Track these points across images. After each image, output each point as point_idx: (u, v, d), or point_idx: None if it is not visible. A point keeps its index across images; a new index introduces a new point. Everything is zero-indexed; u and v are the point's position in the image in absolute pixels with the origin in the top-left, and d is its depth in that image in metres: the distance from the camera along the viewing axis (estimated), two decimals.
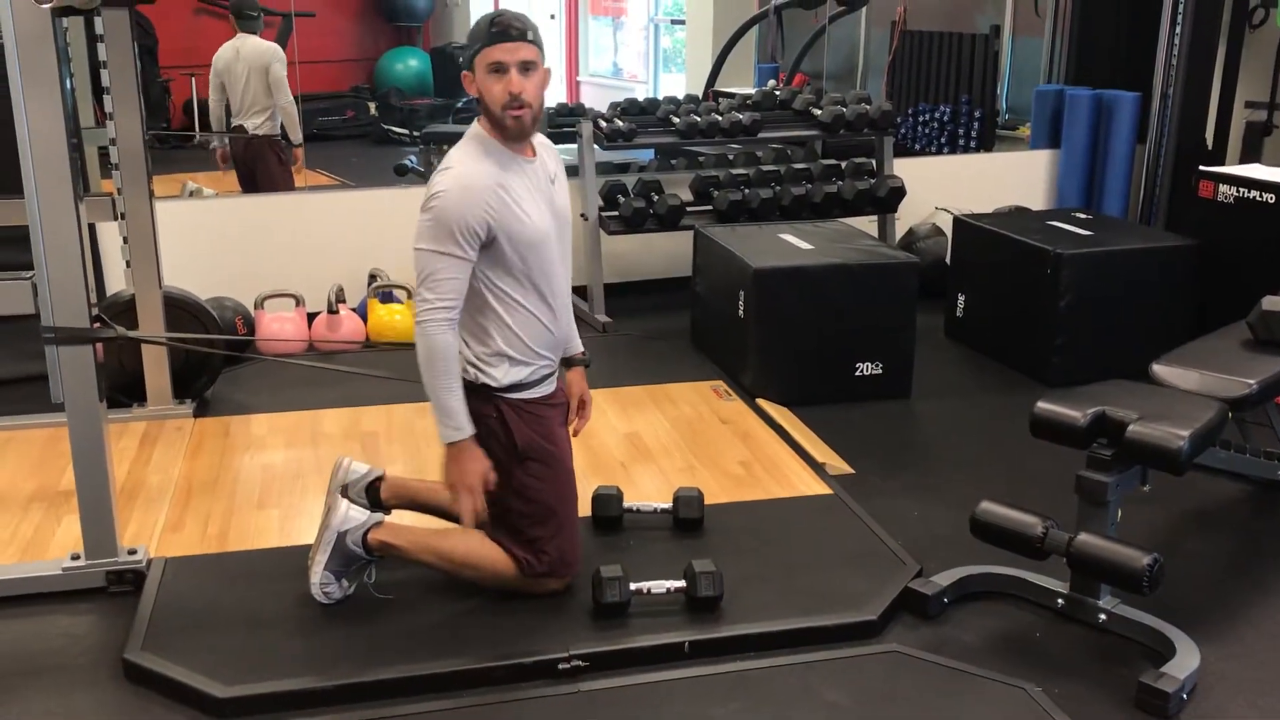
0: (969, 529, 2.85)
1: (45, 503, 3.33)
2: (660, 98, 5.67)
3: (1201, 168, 4.81)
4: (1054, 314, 4.38)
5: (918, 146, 7.20)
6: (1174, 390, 3.05)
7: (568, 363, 2.89)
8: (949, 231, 5.26)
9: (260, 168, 6.26)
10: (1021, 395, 3.97)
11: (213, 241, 4.95)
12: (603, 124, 5.20)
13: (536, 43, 2.56)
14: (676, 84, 9.41)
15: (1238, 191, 4.53)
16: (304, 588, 2.75)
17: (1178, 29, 5.74)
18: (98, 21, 3.59)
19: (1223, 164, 5.81)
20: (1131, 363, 3.51)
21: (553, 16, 10.29)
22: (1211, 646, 2.68)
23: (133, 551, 2.93)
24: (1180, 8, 5.71)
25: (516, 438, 2.65)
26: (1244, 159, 6.09)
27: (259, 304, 4.81)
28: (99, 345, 2.77)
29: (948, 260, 5.23)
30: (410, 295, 5.02)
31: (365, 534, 2.73)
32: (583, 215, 5.11)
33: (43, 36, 2.57)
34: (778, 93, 5.76)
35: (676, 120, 5.33)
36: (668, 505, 3.22)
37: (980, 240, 4.84)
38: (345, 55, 9.96)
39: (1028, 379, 4.47)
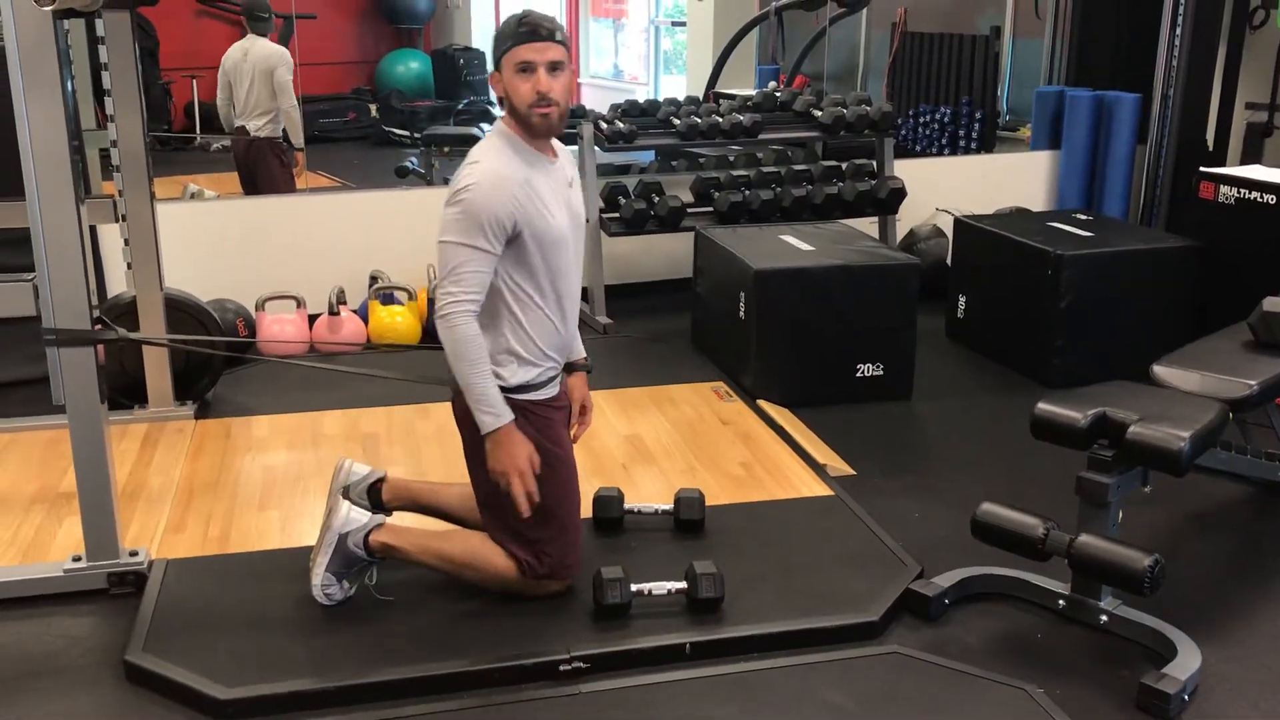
0: (970, 530, 2.85)
1: (47, 504, 3.33)
2: (661, 99, 5.67)
3: (1202, 169, 4.81)
4: (1055, 315, 4.38)
5: (918, 148, 7.20)
6: (1175, 391, 3.05)
7: (569, 368, 2.89)
8: (950, 233, 5.26)
9: (261, 170, 6.27)
10: (1022, 396, 3.97)
11: (214, 243, 4.96)
12: (603, 126, 5.20)
13: (564, 43, 2.58)
14: (677, 86, 9.42)
15: (1238, 192, 4.54)
16: (305, 589, 2.75)
17: (1178, 30, 5.74)
18: (99, 24, 3.60)
19: (1223, 165, 5.81)
20: (1132, 364, 3.52)
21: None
22: (1213, 648, 2.67)
23: (134, 553, 2.93)
24: (1181, 9, 5.72)
25: None
26: (1244, 160, 6.10)
27: (260, 306, 4.81)
28: (100, 347, 2.78)
29: (948, 261, 5.23)
30: (411, 297, 5.02)
31: (366, 536, 2.74)
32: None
33: (44, 39, 2.58)
34: (778, 94, 5.76)
35: (677, 122, 5.33)
36: (669, 506, 3.22)
37: (981, 241, 4.84)
38: (346, 57, 9.98)
39: (1028, 380, 4.48)
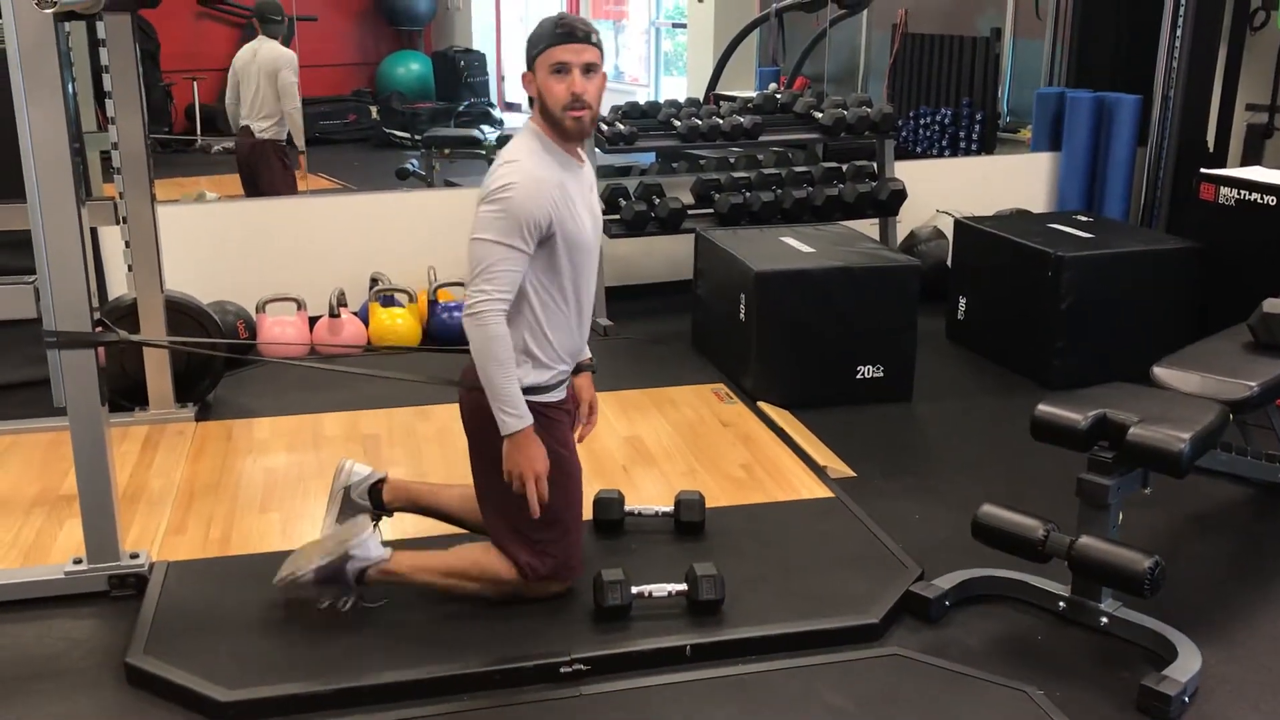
0: (970, 532, 2.85)
1: (47, 507, 3.33)
2: (661, 101, 5.67)
3: (1202, 170, 4.82)
4: (1055, 317, 4.38)
5: (919, 149, 7.20)
6: (1175, 393, 3.05)
7: (576, 369, 2.89)
8: (950, 234, 5.26)
9: (264, 171, 6.28)
10: (1022, 398, 3.97)
11: (214, 246, 4.96)
12: (604, 127, 5.20)
13: (599, 46, 2.58)
14: (678, 87, 9.42)
15: (1238, 194, 4.53)
16: (306, 590, 2.74)
17: (1178, 31, 5.74)
18: (100, 26, 3.60)
19: (1224, 166, 5.82)
20: (1133, 365, 3.52)
21: None
22: (1213, 649, 2.68)
23: (135, 555, 2.94)
24: (1181, 10, 5.72)
25: None
26: (1245, 161, 6.10)
27: (260, 308, 4.81)
28: (101, 349, 2.77)
29: (949, 263, 5.23)
30: (411, 299, 5.03)
31: (365, 570, 2.71)
32: None
33: (45, 41, 2.58)
34: (779, 96, 5.76)
35: (678, 123, 5.33)
36: (669, 508, 3.22)
37: (981, 243, 4.84)
38: (347, 59, 9.98)
39: (1029, 381, 4.48)
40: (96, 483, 2.82)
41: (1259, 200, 4.45)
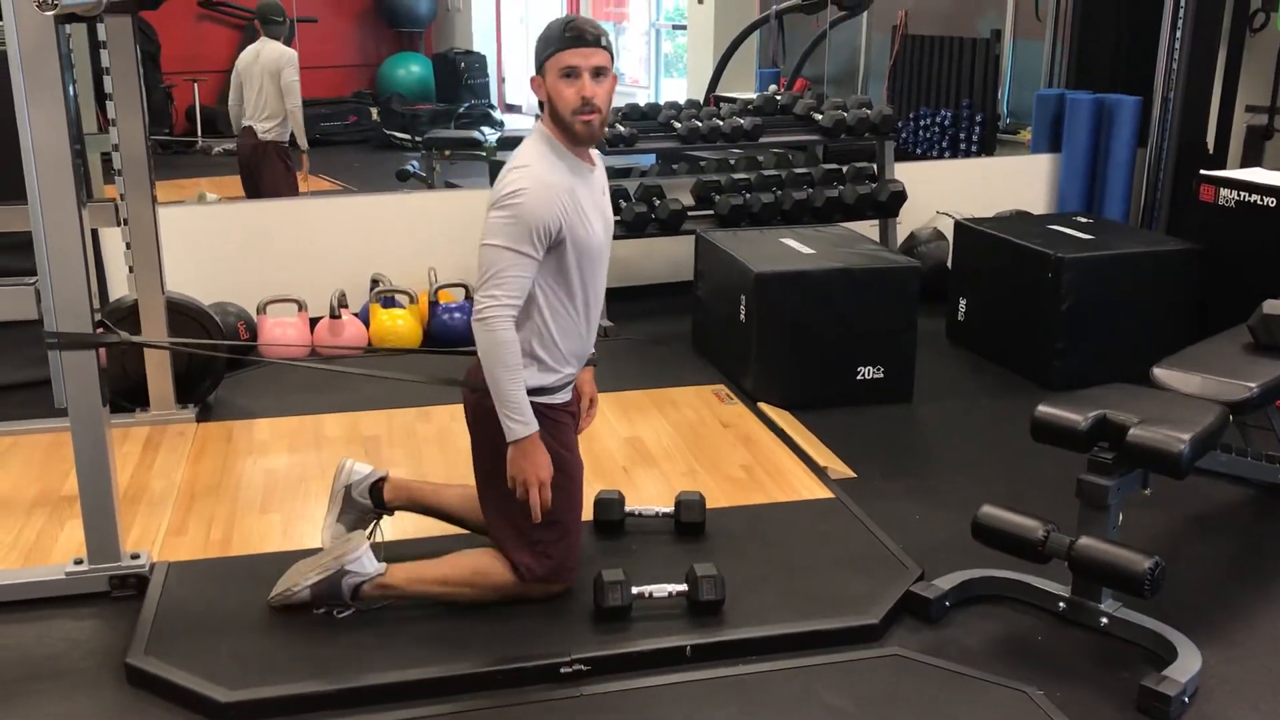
0: (970, 532, 2.85)
1: (48, 508, 3.33)
2: (662, 103, 5.68)
3: (1202, 172, 4.82)
4: (1055, 318, 4.38)
5: (919, 151, 7.21)
6: (1175, 394, 3.05)
7: None
8: (950, 235, 5.26)
9: (265, 173, 6.29)
10: (1023, 399, 3.97)
11: (215, 247, 4.96)
12: (604, 129, 5.20)
13: (608, 49, 2.57)
14: (678, 89, 9.43)
15: (1238, 195, 4.54)
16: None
17: (1178, 33, 5.74)
18: (100, 28, 3.61)
19: (1223, 168, 5.82)
20: (1133, 366, 3.52)
21: None
22: (1213, 650, 2.68)
23: (135, 556, 2.94)
24: (1181, 12, 5.72)
25: None
26: (1245, 163, 6.10)
27: (261, 309, 4.82)
28: (102, 350, 2.78)
29: (949, 264, 5.23)
30: (412, 300, 5.03)
31: (361, 585, 2.71)
32: None
33: (46, 43, 2.58)
34: (779, 97, 5.77)
35: (678, 125, 5.34)
36: (669, 509, 3.22)
37: (981, 244, 4.85)
38: (347, 60, 9.99)
39: (1029, 383, 4.48)
40: (97, 483, 2.82)
41: (1259, 202, 4.45)
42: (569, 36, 2.53)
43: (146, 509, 3.33)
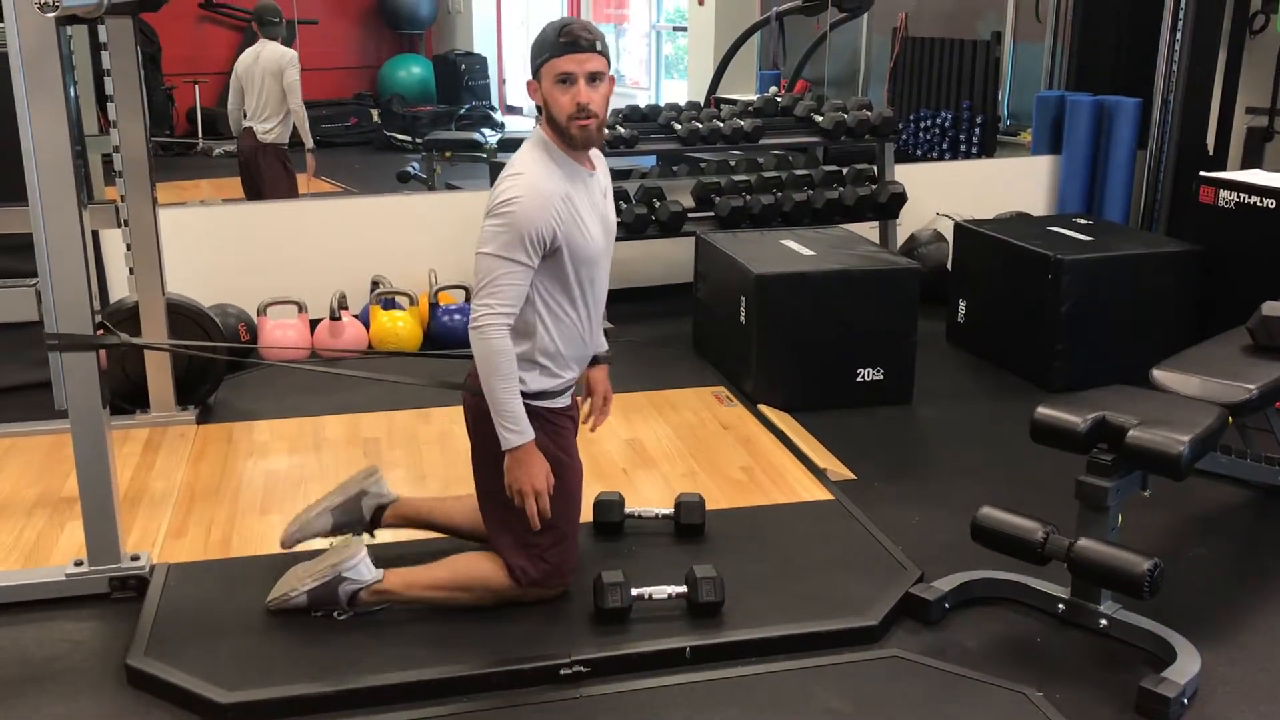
0: (970, 534, 2.85)
1: (49, 509, 3.34)
2: (662, 104, 5.68)
3: (1202, 173, 4.82)
4: (1055, 319, 4.38)
5: (919, 152, 7.21)
6: (1174, 395, 3.05)
7: (593, 360, 2.89)
8: (950, 237, 5.26)
9: (265, 174, 6.29)
10: (1022, 400, 3.97)
11: (216, 248, 4.97)
12: (605, 131, 5.21)
13: (604, 53, 2.55)
14: (678, 90, 9.44)
15: (1238, 197, 4.54)
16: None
17: (1178, 35, 5.75)
18: (101, 30, 3.61)
19: (1223, 169, 5.82)
20: (1133, 368, 3.51)
21: None
22: (1212, 651, 2.68)
23: (136, 557, 2.94)
24: (1181, 14, 5.72)
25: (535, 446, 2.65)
26: (1245, 164, 6.11)
27: (261, 311, 4.82)
28: (102, 352, 2.78)
29: (949, 266, 5.24)
30: (412, 302, 5.03)
31: (358, 593, 2.71)
32: None
33: (47, 45, 2.58)
34: (779, 99, 5.77)
35: (678, 127, 5.34)
36: (669, 511, 3.22)
37: (981, 246, 4.85)
38: (348, 62, 10.00)
39: (1029, 384, 4.48)
40: (97, 485, 2.83)
41: (1259, 203, 4.46)
42: (564, 43, 2.51)
43: (146, 510, 3.33)
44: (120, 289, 4.47)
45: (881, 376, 4.29)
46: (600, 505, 3.19)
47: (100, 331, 2.79)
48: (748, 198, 5.32)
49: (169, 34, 8.36)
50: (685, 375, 4.59)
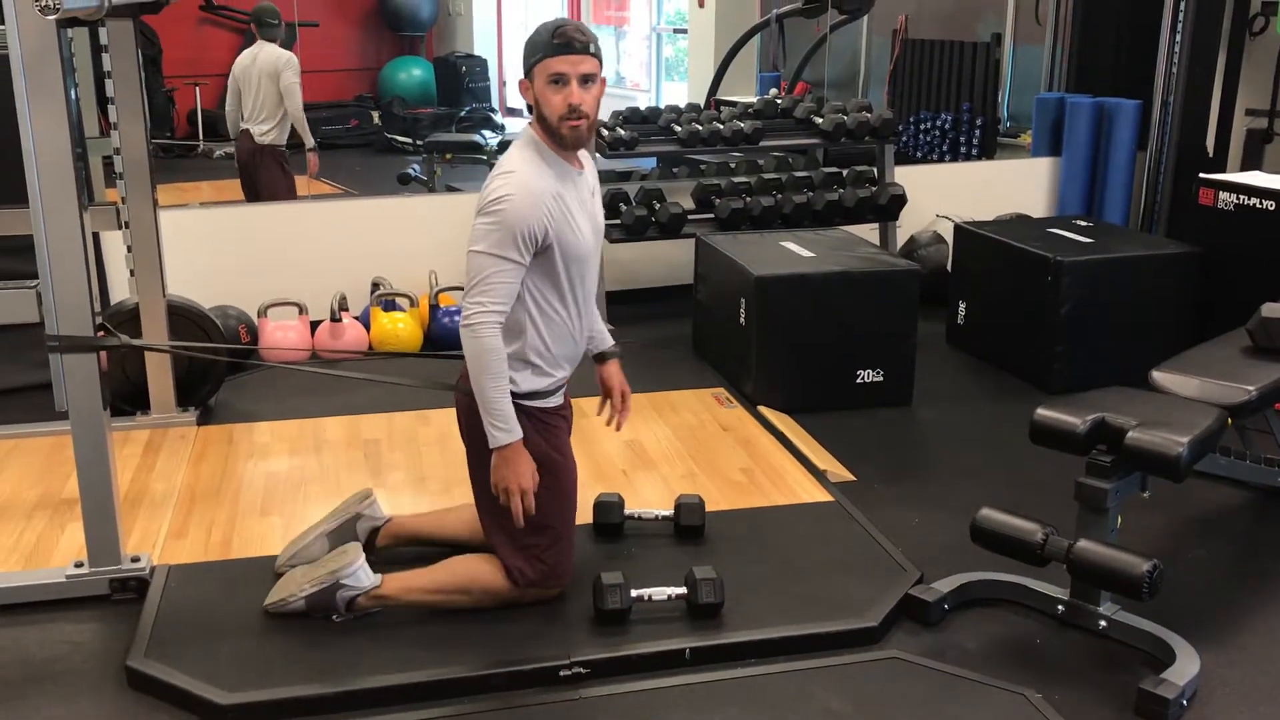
0: (969, 535, 2.85)
1: (49, 510, 3.34)
2: (662, 106, 5.69)
3: (1202, 175, 4.82)
4: (1055, 321, 4.39)
5: (919, 154, 7.22)
6: (1174, 397, 3.06)
7: (601, 357, 2.90)
8: (950, 239, 5.27)
9: (263, 176, 6.29)
10: (1022, 402, 3.97)
11: (216, 250, 4.97)
12: (605, 133, 5.22)
13: (597, 55, 2.56)
14: (679, 92, 9.44)
15: (1238, 199, 4.54)
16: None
17: (1178, 37, 5.75)
18: (102, 32, 3.61)
19: (1223, 171, 5.82)
20: (1132, 370, 3.52)
21: None
22: (1211, 653, 2.68)
23: (136, 559, 2.94)
24: (1180, 15, 5.73)
25: (528, 446, 2.65)
26: (1244, 166, 6.11)
27: (262, 312, 4.82)
28: (103, 353, 2.78)
29: (949, 268, 5.24)
30: (412, 304, 5.04)
31: (356, 598, 2.72)
32: None
33: (48, 47, 2.59)
34: (779, 101, 5.78)
35: (678, 129, 5.35)
36: (669, 512, 3.23)
37: (981, 248, 4.85)
38: (348, 64, 10.01)
39: (1029, 386, 4.48)
40: (98, 486, 2.83)
41: (1258, 205, 4.46)
42: (557, 44, 2.52)
43: (147, 512, 3.34)
44: (121, 291, 4.48)
45: (881, 378, 4.30)
46: (600, 507, 3.20)
47: (101, 333, 2.80)
48: (748, 199, 5.32)
49: (170, 36, 8.37)
50: (685, 377, 4.60)
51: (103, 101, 3.86)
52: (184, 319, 4.07)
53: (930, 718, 2.47)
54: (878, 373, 4.29)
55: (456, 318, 4.92)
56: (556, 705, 2.50)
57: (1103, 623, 2.77)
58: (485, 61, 10.34)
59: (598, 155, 5.23)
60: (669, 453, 3.82)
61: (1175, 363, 3.25)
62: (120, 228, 3.82)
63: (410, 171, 7.48)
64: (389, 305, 5.00)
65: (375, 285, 5.09)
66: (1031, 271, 4.46)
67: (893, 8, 7.56)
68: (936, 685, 2.57)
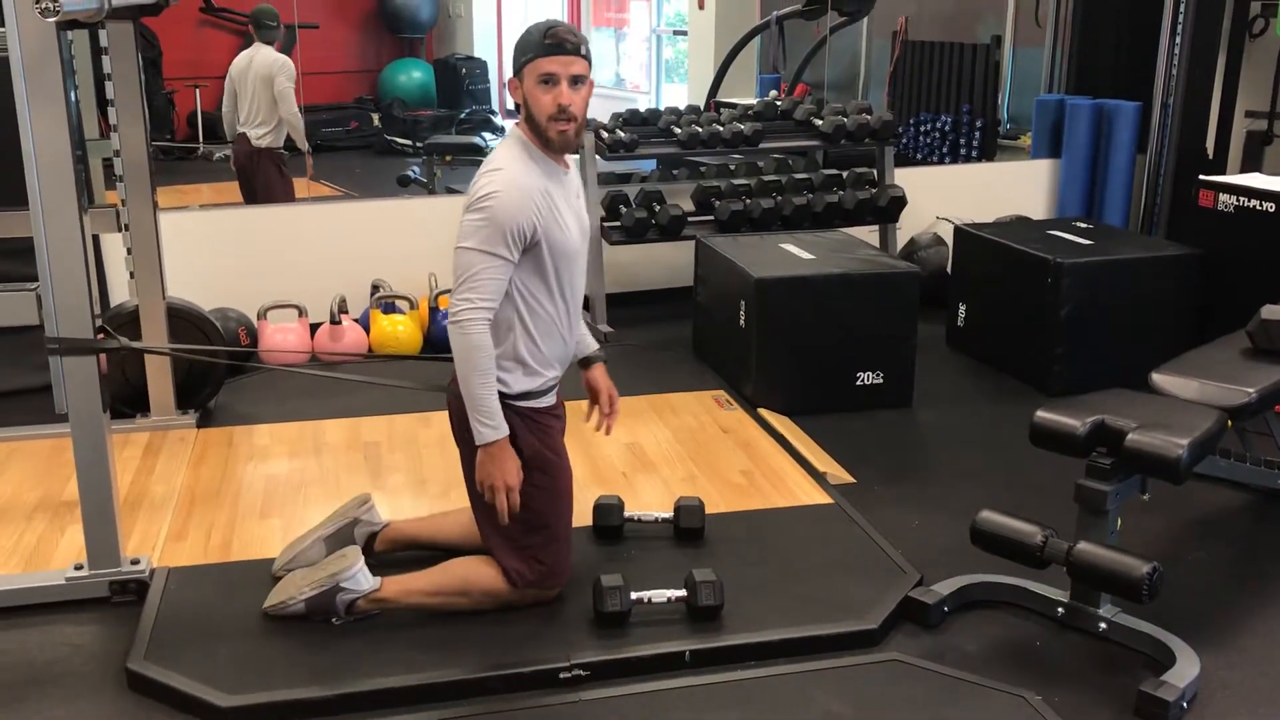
0: (969, 538, 2.85)
1: (49, 513, 3.34)
2: (662, 108, 5.69)
3: (1202, 177, 4.82)
4: (1055, 323, 4.39)
5: (919, 156, 7.22)
6: (1173, 399, 3.06)
7: (586, 362, 2.90)
8: (950, 241, 5.27)
9: (260, 179, 6.29)
10: (1022, 404, 3.97)
11: (216, 253, 4.97)
12: (605, 135, 5.22)
13: (588, 57, 2.58)
14: (679, 94, 9.45)
15: (1238, 201, 4.54)
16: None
17: (1178, 38, 5.76)
18: (102, 34, 3.62)
19: (1223, 173, 5.82)
20: (1132, 372, 3.52)
21: None
22: (1211, 655, 2.68)
23: (136, 561, 2.94)
24: (1180, 17, 5.73)
25: (523, 447, 2.66)
26: (1244, 168, 6.11)
27: (262, 315, 4.83)
28: (103, 356, 2.78)
29: (949, 270, 5.24)
30: (412, 306, 5.04)
31: (355, 601, 2.72)
32: None
33: (48, 50, 2.59)
34: (779, 103, 5.78)
35: (678, 131, 5.35)
36: (669, 514, 3.23)
37: (981, 250, 4.85)
38: (349, 66, 10.01)
39: (1029, 388, 4.48)
40: (98, 489, 2.83)
41: (1258, 207, 4.46)
42: (549, 44, 2.54)
43: (147, 514, 3.34)
44: (121, 293, 4.47)
45: (881, 380, 4.30)
46: (600, 509, 3.19)
47: (100, 335, 2.80)
48: (747, 201, 5.32)
49: (170, 38, 8.37)
50: (685, 379, 4.60)
51: (103, 104, 3.86)
52: (184, 321, 4.07)
53: None
54: (878, 375, 4.29)
55: None
56: (556, 708, 2.50)
57: (1103, 625, 2.77)
58: (485, 63, 10.35)
59: (598, 158, 5.23)
60: (669, 455, 3.82)
61: (1175, 365, 3.25)
62: (120, 230, 3.82)
63: (410, 173, 7.48)
64: (389, 307, 5.00)
65: (375, 287, 5.09)
66: (1031, 273, 4.46)
67: (893, 9, 7.57)
68: (936, 687, 2.57)
